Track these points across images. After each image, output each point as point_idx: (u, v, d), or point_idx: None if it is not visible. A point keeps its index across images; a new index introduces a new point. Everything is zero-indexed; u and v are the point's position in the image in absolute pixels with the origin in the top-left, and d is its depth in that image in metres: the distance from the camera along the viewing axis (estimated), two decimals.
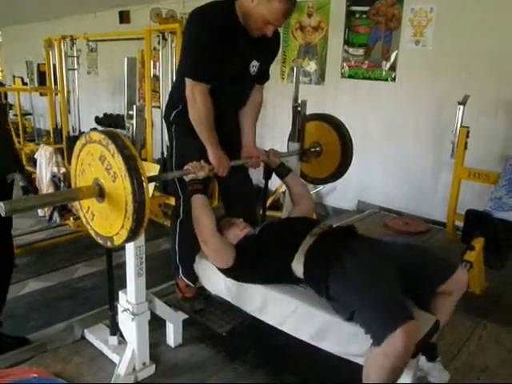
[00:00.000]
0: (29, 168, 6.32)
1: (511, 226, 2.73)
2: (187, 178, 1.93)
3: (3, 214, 1.33)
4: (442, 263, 1.80)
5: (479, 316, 2.49)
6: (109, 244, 1.62)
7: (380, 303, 1.48)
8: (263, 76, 2.22)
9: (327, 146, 2.63)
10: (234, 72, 2.04)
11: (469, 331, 2.36)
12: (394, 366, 1.43)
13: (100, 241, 1.67)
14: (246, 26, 1.95)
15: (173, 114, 2.13)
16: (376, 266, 1.62)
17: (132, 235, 1.52)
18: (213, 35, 1.89)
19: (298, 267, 1.73)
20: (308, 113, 2.66)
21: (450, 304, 1.79)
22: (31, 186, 2.44)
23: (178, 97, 2.05)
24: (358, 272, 1.59)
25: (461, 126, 3.30)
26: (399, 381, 1.65)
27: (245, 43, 1.99)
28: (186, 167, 1.93)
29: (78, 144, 1.63)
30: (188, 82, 1.96)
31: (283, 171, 2.27)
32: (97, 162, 1.55)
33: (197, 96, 1.95)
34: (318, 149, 2.65)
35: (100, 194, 1.56)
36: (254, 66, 2.09)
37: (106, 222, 1.60)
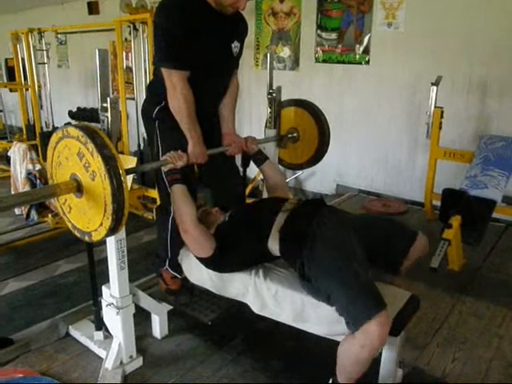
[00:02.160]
0: (2, 166, 6.22)
1: (486, 203, 2.80)
2: (165, 169, 1.92)
3: None
4: (403, 234, 1.85)
5: (458, 292, 2.56)
6: (86, 238, 1.61)
7: (356, 289, 1.52)
8: (239, 57, 2.22)
9: (304, 132, 2.65)
10: (218, 56, 2.04)
11: (449, 307, 2.42)
12: (369, 357, 1.50)
13: (77, 234, 1.66)
14: (218, 6, 1.94)
15: (156, 110, 2.09)
16: (348, 244, 1.65)
17: (111, 233, 1.52)
18: (181, 20, 1.87)
19: (273, 245, 1.76)
20: (284, 98, 2.66)
21: (413, 263, 1.85)
22: None
23: (160, 92, 2.01)
24: (332, 250, 1.62)
25: (435, 106, 3.34)
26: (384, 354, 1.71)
27: (220, 25, 1.99)
28: (163, 157, 1.92)
29: (55, 137, 1.61)
30: (164, 71, 1.94)
31: (260, 158, 2.28)
32: (74, 158, 1.52)
33: (176, 85, 1.93)
34: (295, 135, 2.66)
35: (78, 189, 1.54)
36: (236, 46, 2.10)
37: (83, 216, 1.58)
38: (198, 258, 1.90)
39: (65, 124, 6.48)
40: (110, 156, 1.43)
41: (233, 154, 2.23)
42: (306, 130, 2.64)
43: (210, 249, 1.82)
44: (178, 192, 1.88)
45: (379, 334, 1.43)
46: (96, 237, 1.57)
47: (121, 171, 1.44)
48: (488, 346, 2.10)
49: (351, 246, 1.65)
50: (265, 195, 2.49)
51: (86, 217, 1.57)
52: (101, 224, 1.51)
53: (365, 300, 1.49)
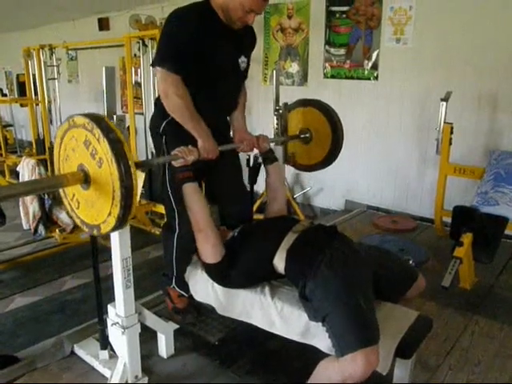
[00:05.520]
0: (12, 181, 6.26)
1: (498, 220, 2.75)
2: (176, 164, 1.86)
3: None
4: (405, 277, 1.86)
5: (471, 311, 2.50)
6: (95, 232, 1.57)
7: (353, 318, 1.50)
8: (247, 70, 2.21)
9: (317, 133, 2.54)
10: (226, 71, 2.03)
11: (461, 327, 2.36)
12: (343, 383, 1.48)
13: (86, 229, 1.62)
14: (227, 20, 1.94)
15: (163, 125, 2.06)
16: (357, 275, 1.64)
17: (120, 223, 1.47)
18: (189, 29, 1.86)
19: (279, 263, 1.75)
20: None
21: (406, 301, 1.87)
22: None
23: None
24: (337, 277, 1.60)
25: (444, 122, 3.32)
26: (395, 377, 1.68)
27: (231, 39, 1.98)
28: (173, 152, 1.86)
29: (61, 129, 1.58)
30: (159, 73, 1.90)
31: (270, 158, 2.25)
32: (81, 147, 1.49)
33: (168, 88, 1.89)
34: (307, 135, 2.55)
35: (85, 180, 1.50)
36: (243, 61, 2.09)
37: (92, 209, 1.54)
38: (204, 267, 1.89)
39: None
40: (116, 140, 1.40)
41: (244, 151, 2.20)
42: (319, 131, 2.53)
43: (220, 254, 1.82)
44: (191, 191, 1.85)
45: (363, 368, 1.42)
46: (105, 228, 1.51)
47: (128, 154, 1.40)
48: (502, 370, 2.04)
49: (360, 277, 1.64)
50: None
51: (95, 209, 1.53)
52: (109, 214, 1.46)
53: (359, 331, 1.47)
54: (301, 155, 2.65)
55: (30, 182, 1.75)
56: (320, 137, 2.54)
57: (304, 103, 2.61)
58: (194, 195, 1.85)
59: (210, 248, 1.84)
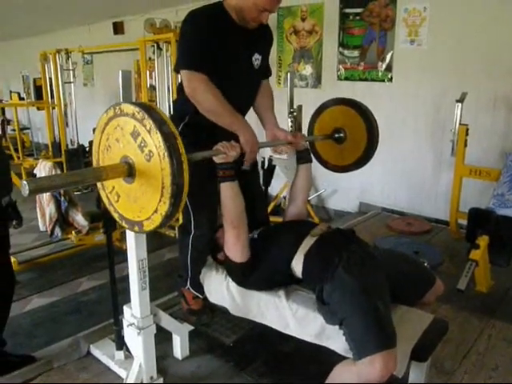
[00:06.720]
0: None
1: None
2: (218, 160, 1.80)
3: (27, 194, 1.19)
4: (423, 279, 1.86)
5: (487, 315, 2.47)
6: (136, 229, 1.50)
7: (371, 322, 1.50)
8: (266, 69, 2.21)
9: (351, 133, 2.45)
10: (240, 69, 2.02)
11: (477, 331, 2.34)
12: None
13: (125, 225, 1.55)
14: (241, 20, 1.94)
15: (180, 127, 2.03)
16: (374, 279, 1.64)
17: (166, 221, 1.39)
18: (206, 28, 1.86)
19: (297, 267, 1.76)
20: (306, 117, 2.62)
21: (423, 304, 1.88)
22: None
23: (183, 109, 1.99)
24: (355, 281, 1.60)
25: (460, 123, 3.29)
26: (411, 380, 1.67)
27: (242, 38, 1.98)
28: (215, 147, 1.79)
29: (104, 117, 1.49)
30: (184, 75, 1.89)
31: (305, 157, 2.21)
32: (127, 138, 1.40)
33: (197, 87, 1.86)
34: (341, 135, 2.46)
35: (129, 173, 1.41)
36: (257, 59, 2.08)
37: (134, 204, 1.46)
38: (226, 265, 1.90)
39: (89, 142, 6.60)
40: (169, 133, 1.32)
41: (280, 150, 2.17)
42: (354, 130, 2.44)
43: (246, 255, 1.83)
44: (229, 190, 1.81)
45: (380, 372, 1.41)
46: (148, 226, 1.43)
47: (181, 150, 1.33)
48: None
49: (377, 280, 1.64)
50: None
51: (138, 204, 1.44)
52: (155, 211, 1.38)
53: (377, 334, 1.47)
54: (334, 156, 2.56)
55: (71, 174, 1.61)
56: (354, 137, 2.45)
57: (337, 102, 2.52)
58: (232, 194, 1.81)
59: (240, 247, 1.83)
